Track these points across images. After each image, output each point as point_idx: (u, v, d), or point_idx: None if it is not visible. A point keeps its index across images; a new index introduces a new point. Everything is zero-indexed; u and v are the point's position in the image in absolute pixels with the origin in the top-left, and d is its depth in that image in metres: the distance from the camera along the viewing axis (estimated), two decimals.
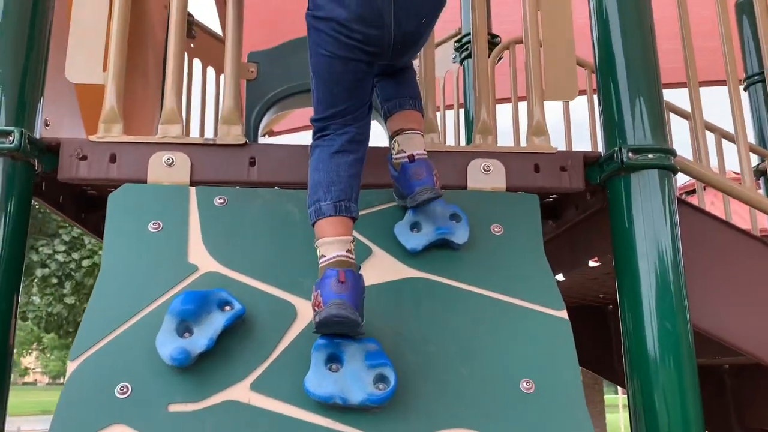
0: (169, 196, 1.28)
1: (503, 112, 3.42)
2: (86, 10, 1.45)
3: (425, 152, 1.26)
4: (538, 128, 1.45)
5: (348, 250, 1.08)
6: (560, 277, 1.93)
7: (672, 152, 1.39)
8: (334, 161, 1.14)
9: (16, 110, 1.30)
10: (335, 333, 1.06)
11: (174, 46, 1.41)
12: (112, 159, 1.33)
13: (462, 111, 3.06)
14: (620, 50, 1.45)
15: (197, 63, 2.87)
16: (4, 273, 1.23)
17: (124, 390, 1.06)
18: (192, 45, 2.80)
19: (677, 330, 1.29)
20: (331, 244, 1.08)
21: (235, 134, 1.37)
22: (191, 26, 2.77)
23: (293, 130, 5.53)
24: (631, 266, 1.34)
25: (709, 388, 2.56)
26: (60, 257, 9.01)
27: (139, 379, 1.07)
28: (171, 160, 1.33)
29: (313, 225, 1.13)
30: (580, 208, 1.64)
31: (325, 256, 1.08)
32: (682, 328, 1.29)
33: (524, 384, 1.10)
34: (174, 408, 1.05)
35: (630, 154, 1.35)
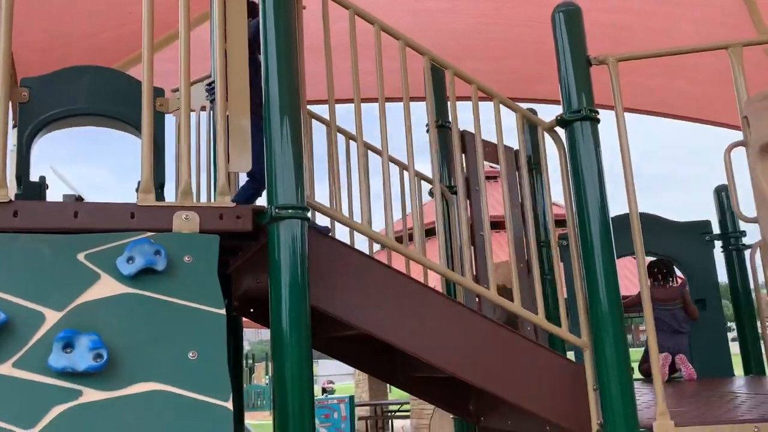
0: None
1: None
2: None
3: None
4: (223, 190, 2.24)
5: None
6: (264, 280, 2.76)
7: (305, 208, 2.26)
8: None
9: None
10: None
11: None
12: None
13: None
14: (279, 139, 2.28)
15: None
16: None
17: None
18: None
19: (300, 318, 2.16)
20: None
21: (2, 194, 1.97)
22: None
23: None
24: (275, 279, 2.19)
25: (380, 351, 3.59)
26: None
27: None
28: None
29: None
30: (266, 238, 2.46)
31: None
32: (303, 317, 2.17)
33: (191, 354, 1.88)
34: None
35: (276, 210, 2.20)
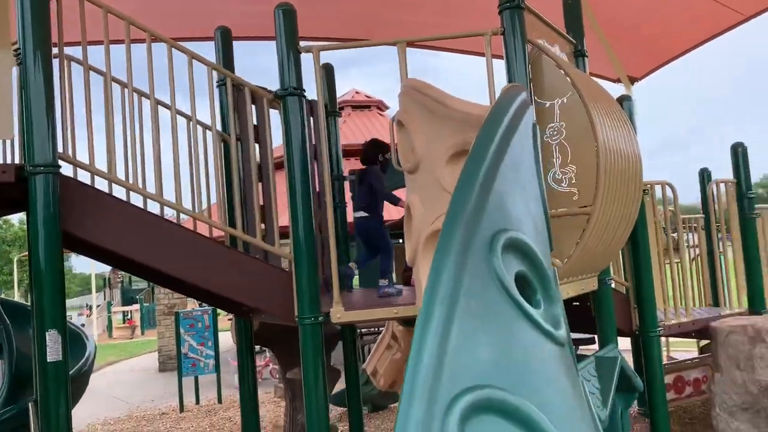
0: None
1: None
2: None
3: None
4: None
5: None
6: None
7: (56, 165, 3.12)
8: None
9: None
10: None
11: None
12: None
13: None
14: (36, 105, 3.10)
15: None
16: None
17: None
18: None
19: (52, 245, 3.08)
20: None
21: None
22: None
23: None
24: (33, 220, 3.07)
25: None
26: None
27: None
28: None
29: None
30: None
31: None
32: (55, 247, 3.09)
33: None
34: None
35: (31, 167, 3.06)
